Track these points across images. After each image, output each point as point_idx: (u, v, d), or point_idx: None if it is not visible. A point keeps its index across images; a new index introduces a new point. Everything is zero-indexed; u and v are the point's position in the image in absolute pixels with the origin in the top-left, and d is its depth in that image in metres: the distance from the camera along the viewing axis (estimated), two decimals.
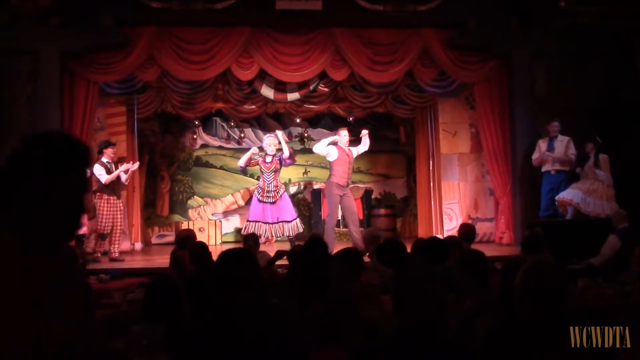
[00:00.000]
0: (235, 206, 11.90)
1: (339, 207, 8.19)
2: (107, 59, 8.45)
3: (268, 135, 8.78)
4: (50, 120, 8.19)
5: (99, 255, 8.04)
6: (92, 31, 8.22)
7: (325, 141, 8.18)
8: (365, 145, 8.48)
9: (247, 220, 8.36)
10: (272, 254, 5.78)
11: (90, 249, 8.13)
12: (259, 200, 8.28)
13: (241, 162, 8.42)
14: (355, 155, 8.41)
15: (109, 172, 8.01)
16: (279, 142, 8.34)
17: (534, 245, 4.62)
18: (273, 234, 8.33)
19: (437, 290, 2.11)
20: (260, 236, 7.64)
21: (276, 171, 8.33)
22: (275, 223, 8.22)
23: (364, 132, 8.46)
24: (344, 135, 8.25)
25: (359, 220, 8.43)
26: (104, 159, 8.09)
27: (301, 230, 8.44)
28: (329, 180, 8.15)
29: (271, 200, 8.26)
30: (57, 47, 8.21)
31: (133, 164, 8.66)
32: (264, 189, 8.29)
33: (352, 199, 8.33)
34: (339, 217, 8.83)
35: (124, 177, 8.30)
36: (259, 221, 8.18)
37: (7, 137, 8.21)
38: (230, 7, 8.22)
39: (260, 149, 8.70)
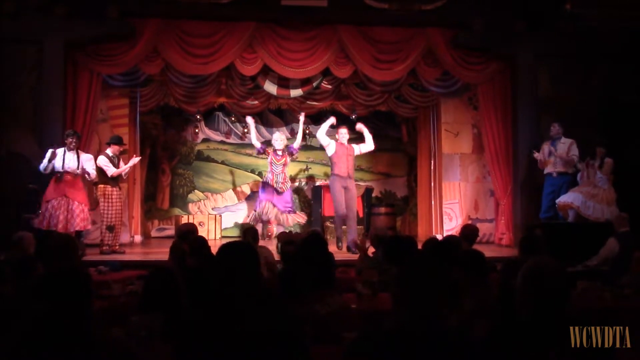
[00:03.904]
0: (236, 201, 11.91)
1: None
2: (111, 50, 8.45)
3: (276, 131, 9.52)
4: (53, 111, 8.21)
5: (107, 247, 7.99)
6: (97, 22, 8.23)
7: (325, 126, 8.22)
8: (368, 143, 8.37)
9: (259, 201, 8.93)
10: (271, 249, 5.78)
11: (99, 241, 8.13)
12: (270, 185, 8.83)
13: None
14: (357, 152, 8.35)
15: (113, 165, 8.00)
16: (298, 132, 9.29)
17: (532, 246, 4.60)
18: (281, 221, 8.73)
19: (439, 289, 2.10)
20: (267, 218, 8.66)
21: (285, 165, 8.92)
22: (283, 212, 8.78)
23: (359, 126, 8.42)
24: (343, 133, 8.21)
25: (357, 218, 8.49)
26: (109, 152, 8.07)
27: (302, 222, 8.70)
28: (331, 176, 8.17)
29: (279, 189, 8.77)
30: (62, 37, 8.21)
31: (136, 157, 8.66)
32: (273, 179, 8.85)
33: (355, 196, 8.35)
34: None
35: (124, 174, 8.28)
36: (270, 201, 8.71)
37: (10, 127, 8.24)
38: (236, 1, 8.22)
39: (268, 143, 9.10)
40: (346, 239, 8.06)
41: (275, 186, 8.89)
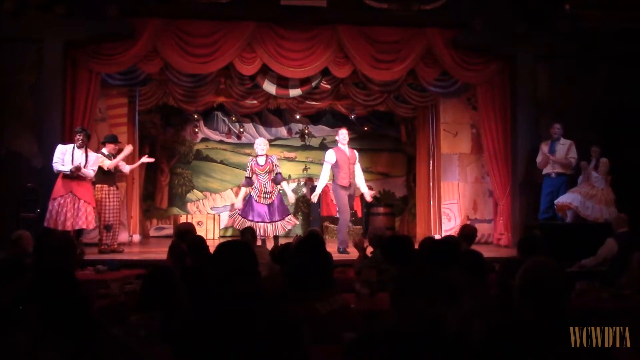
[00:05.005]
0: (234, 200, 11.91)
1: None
2: (110, 49, 8.45)
3: (259, 138, 8.62)
4: (53, 110, 8.20)
5: (106, 246, 7.98)
6: (97, 21, 8.22)
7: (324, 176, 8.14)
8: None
9: (240, 216, 7.96)
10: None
11: (97, 240, 8.12)
12: (256, 202, 7.96)
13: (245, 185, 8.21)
14: (357, 158, 8.19)
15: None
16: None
17: (531, 247, 4.60)
18: (270, 232, 7.97)
19: (439, 290, 2.10)
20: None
21: (270, 171, 7.98)
22: (272, 222, 7.95)
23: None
24: (343, 134, 8.05)
25: (355, 218, 8.45)
26: (105, 151, 8.06)
27: (297, 223, 8.60)
28: (333, 183, 8.08)
29: (268, 202, 7.95)
30: (61, 36, 8.21)
31: (147, 157, 8.77)
32: (260, 190, 7.94)
33: (353, 198, 8.33)
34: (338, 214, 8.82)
35: (127, 169, 8.30)
36: (254, 221, 7.85)
37: (10, 126, 8.23)
38: (235, 1, 8.22)
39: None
40: (337, 239, 8.01)
41: (263, 200, 7.93)
